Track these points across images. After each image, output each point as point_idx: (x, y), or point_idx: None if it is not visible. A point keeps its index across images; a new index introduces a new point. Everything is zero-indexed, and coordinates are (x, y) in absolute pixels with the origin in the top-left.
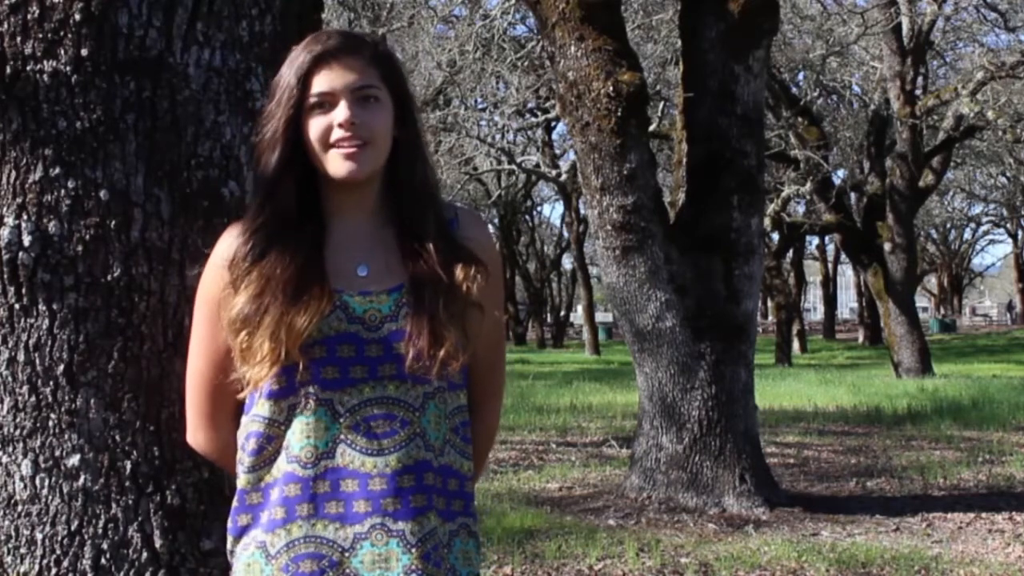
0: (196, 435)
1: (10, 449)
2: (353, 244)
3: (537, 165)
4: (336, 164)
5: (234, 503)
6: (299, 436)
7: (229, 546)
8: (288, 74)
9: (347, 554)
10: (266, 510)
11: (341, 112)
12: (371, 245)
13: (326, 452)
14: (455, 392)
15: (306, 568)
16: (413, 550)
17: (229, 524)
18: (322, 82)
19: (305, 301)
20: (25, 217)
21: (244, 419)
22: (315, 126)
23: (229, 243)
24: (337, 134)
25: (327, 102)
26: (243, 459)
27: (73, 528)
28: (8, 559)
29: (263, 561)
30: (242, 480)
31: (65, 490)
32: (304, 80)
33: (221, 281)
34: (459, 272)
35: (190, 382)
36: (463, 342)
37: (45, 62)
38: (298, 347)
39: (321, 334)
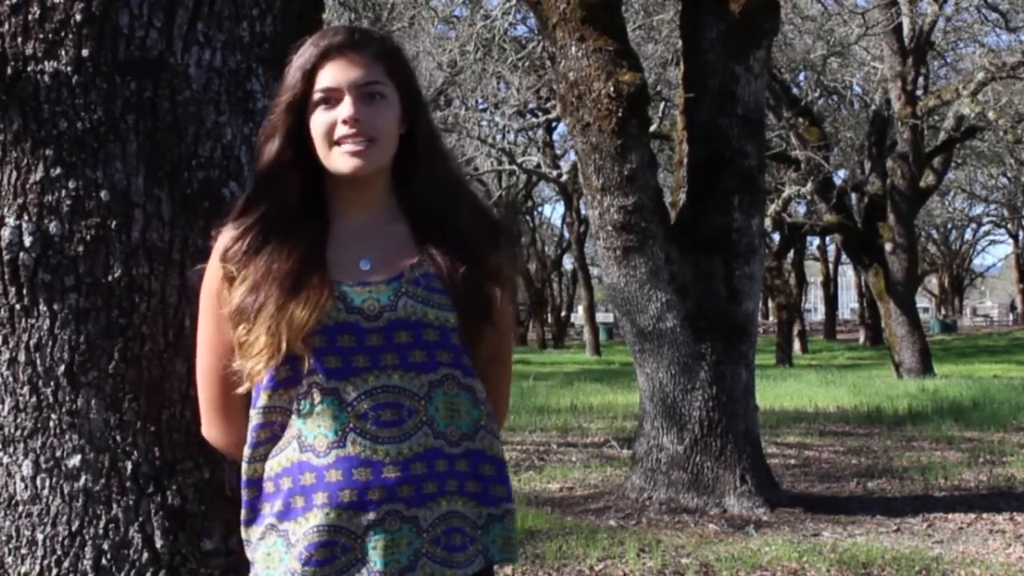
0: (210, 429)
1: (11, 450)
2: (356, 239)
3: (538, 165)
4: (341, 161)
5: (246, 493)
6: (311, 426)
7: (244, 535)
8: (294, 69)
9: (359, 540)
10: (281, 499)
11: (346, 108)
12: (375, 240)
13: (337, 441)
14: (477, 379)
15: (319, 556)
16: (424, 535)
17: (243, 513)
18: (327, 77)
19: (304, 294)
20: (26, 218)
21: (251, 412)
22: (319, 121)
23: (227, 236)
24: (341, 131)
25: (332, 98)
26: (247, 452)
27: (74, 529)
28: (9, 559)
29: (283, 549)
30: (249, 470)
31: (66, 491)
32: (309, 75)
33: (219, 274)
34: (461, 273)
35: (200, 375)
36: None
37: (46, 63)
38: (299, 339)
39: (320, 324)
